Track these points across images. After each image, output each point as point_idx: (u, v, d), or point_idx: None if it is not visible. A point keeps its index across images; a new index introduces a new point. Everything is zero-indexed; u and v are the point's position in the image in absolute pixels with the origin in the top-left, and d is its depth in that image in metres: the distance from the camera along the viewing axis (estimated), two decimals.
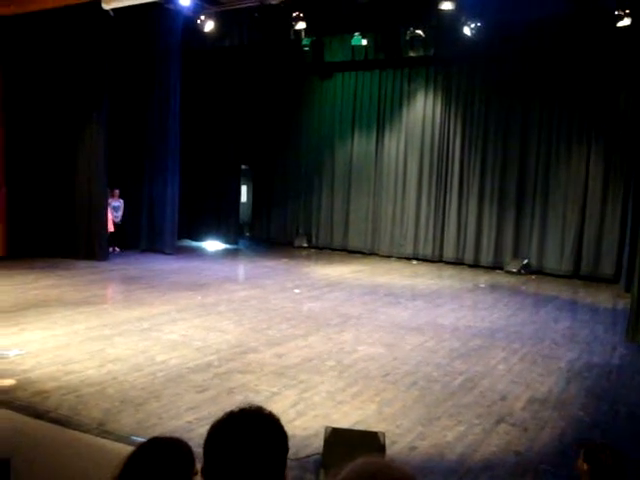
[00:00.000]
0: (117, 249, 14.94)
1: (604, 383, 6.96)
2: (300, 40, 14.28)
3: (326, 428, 4.66)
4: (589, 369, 7.41)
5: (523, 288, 12.76)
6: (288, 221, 18.23)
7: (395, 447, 4.93)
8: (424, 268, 15.03)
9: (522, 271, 14.24)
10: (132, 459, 1.66)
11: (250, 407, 1.57)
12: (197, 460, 1.66)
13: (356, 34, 14.28)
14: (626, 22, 11.24)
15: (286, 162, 18.11)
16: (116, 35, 13.50)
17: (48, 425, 4.87)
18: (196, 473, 1.71)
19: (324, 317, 9.43)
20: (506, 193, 14.85)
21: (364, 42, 14.52)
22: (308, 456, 4.66)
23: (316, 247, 17.53)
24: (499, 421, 5.65)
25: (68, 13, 12.03)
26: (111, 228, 14.57)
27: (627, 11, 11.13)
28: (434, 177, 15.84)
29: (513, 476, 4.65)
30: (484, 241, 15.12)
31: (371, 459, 1.32)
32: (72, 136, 13.90)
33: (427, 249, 15.88)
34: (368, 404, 5.94)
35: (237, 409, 1.56)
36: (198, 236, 17.98)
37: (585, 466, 2.89)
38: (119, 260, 14.01)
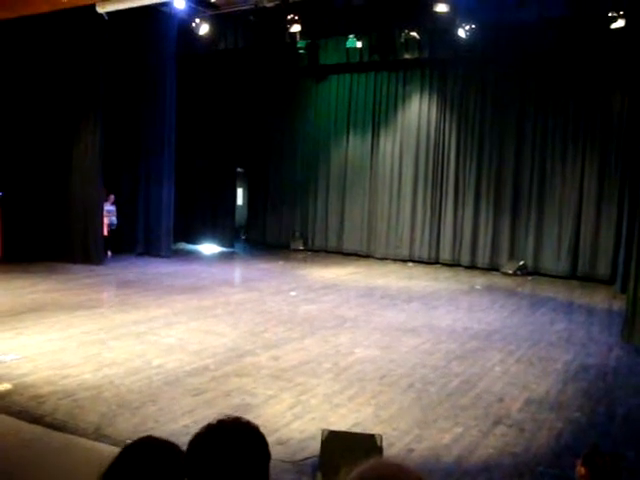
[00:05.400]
0: (109, 253, 14.63)
1: (601, 384, 6.97)
2: (295, 43, 14.30)
3: (323, 431, 4.65)
4: (586, 370, 7.42)
5: (519, 289, 12.78)
6: (284, 224, 18.22)
7: (392, 450, 4.91)
8: (420, 270, 15.04)
9: (518, 272, 14.26)
10: (120, 457, 1.63)
11: (228, 417, 1.58)
12: None
13: (351, 36, 14.28)
14: (620, 24, 11.28)
15: (282, 165, 18.12)
16: (111, 39, 13.48)
17: (44, 430, 4.85)
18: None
19: (320, 320, 9.43)
20: (502, 194, 14.88)
21: (359, 44, 14.52)
22: (305, 459, 4.66)
23: (312, 250, 17.53)
24: (496, 423, 5.65)
25: (62, 17, 12.00)
26: (105, 232, 14.43)
27: (621, 12, 11.17)
28: (430, 179, 15.86)
29: (510, 478, 4.65)
30: (480, 243, 15.14)
31: (384, 461, 1.30)
32: (67, 140, 13.86)
33: (423, 251, 15.89)
34: (365, 407, 5.93)
35: (215, 421, 1.57)
36: (194, 239, 17.96)
37: (583, 470, 2.89)
38: (115, 264, 13.96)
